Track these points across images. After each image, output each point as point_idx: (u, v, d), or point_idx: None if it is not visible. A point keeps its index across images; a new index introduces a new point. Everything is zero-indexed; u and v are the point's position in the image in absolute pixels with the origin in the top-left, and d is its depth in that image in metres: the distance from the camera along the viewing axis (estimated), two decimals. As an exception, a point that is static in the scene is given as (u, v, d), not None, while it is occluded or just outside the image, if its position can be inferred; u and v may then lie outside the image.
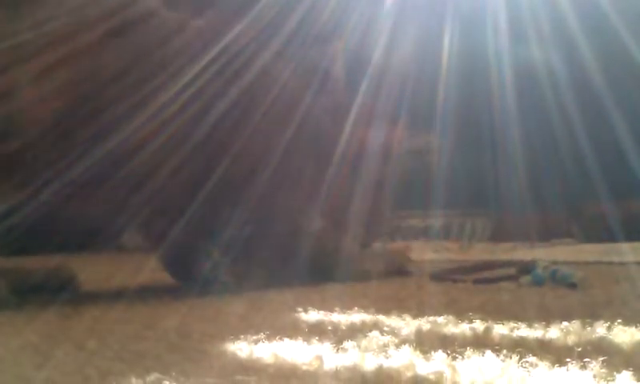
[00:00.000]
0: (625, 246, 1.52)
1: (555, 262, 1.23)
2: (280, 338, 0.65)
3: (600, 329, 0.66)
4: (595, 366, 0.50)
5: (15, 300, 1.03)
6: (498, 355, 0.55)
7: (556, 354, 0.55)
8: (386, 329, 0.69)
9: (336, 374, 0.52)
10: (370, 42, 1.56)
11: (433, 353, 0.56)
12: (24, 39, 0.90)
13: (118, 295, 1.03)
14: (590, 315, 0.72)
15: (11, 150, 0.94)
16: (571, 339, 0.63)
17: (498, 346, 0.60)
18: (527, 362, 0.52)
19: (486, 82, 2.08)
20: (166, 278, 1.22)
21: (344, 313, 0.81)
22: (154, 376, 0.51)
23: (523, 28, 2.07)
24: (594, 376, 0.48)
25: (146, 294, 1.07)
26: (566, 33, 1.92)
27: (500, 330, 0.67)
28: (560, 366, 0.51)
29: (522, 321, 0.71)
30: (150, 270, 1.21)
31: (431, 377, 0.50)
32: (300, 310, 0.83)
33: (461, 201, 2.19)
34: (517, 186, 2.02)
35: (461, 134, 2.20)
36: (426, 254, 1.84)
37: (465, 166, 2.17)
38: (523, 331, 0.67)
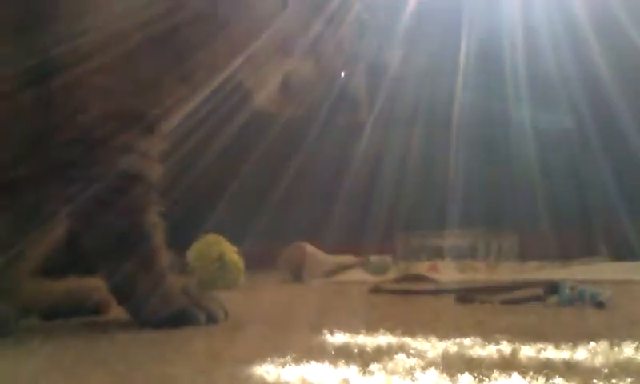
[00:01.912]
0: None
1: (583, 281, 1.22)
2: (307, 361, 0.65)
3: (628, 349, 0.65)
4: (623, 387, 0.50)
5: (45, 324, 1.05)
6: (524, 377, 0.55)
7: (583, 375, 0.55)
8: (412, 351, 0.70)
9: (362, 397, 0.52)
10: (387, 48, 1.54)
11: (459, 375, 0.56)
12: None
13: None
14: (618, 335, 0.71)
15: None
16: (598, 360, 0.63)
17: (524, 367, 0.60)
18: (554, 384, 0.52)
19: (506, 100, 2.08)
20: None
21: (370, 335, 0.81)
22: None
23: (543, 40, 2.06)
24: (622, 398, 0.48)
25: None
26: (587, 44, 1.91)
27: (527, 351, 0.67)
28: (587, 388, 0.51)
29: (548, 342, 0.71)
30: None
31: (457, 400, 0.50)
32: (325, 331, 0.84)
33: (487, 219, 2.18)
34: (543, 204, 2.01)
35: (486, 152, 2.19)
36: (452, 273, 1.83)
37: (491, 183, 2.17)
38: (550, 352, 0.67)
